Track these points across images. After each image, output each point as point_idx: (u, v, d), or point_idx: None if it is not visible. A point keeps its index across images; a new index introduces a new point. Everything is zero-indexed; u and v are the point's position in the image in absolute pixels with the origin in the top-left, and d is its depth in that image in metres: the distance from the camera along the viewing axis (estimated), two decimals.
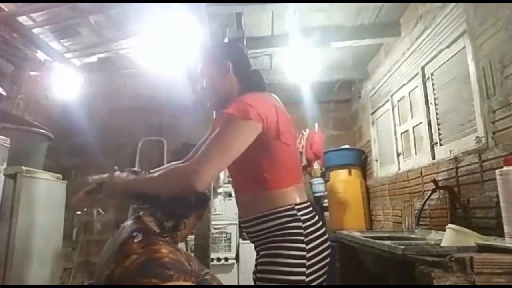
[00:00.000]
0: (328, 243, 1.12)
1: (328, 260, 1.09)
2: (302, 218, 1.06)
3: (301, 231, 1.03)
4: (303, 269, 1.00)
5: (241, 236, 3.25)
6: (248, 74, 1.21)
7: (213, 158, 0.94)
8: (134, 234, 0.93)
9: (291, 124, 1.16)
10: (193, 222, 1.10)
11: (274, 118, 1.05)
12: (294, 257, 1.00)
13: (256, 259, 1.12)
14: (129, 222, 1.04)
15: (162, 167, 1.19)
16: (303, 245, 1.02)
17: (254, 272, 1.09)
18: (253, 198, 1.09)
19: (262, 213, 1.06)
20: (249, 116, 0.98)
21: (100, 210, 3.15)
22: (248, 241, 3.36)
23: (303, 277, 1.00)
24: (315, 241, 1.05)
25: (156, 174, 1.02)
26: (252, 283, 1.25)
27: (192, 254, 2.41)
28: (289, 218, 1.04)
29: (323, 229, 1.12)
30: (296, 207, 1.06)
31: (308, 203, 1.12)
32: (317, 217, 1.13)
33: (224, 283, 1.26)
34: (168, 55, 2.77)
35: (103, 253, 0.98)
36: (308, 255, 1.01)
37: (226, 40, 2.65)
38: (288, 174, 1.08)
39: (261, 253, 1.08)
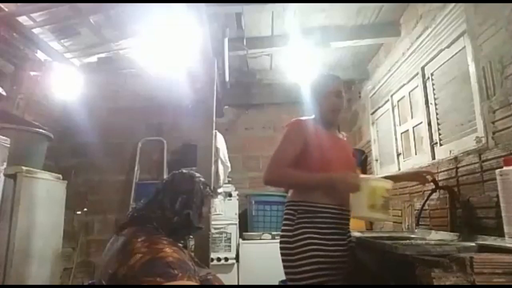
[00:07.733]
0: None
1: None
2: None
3: None
4: None
5: (241, 236, 3.25)
6: None
7: None
8: (137, 233, 0.92)
9: None
10: None
11: None
12: None
13: None
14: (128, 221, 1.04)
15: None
16: None
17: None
18: None
19: None
20: None
21: None
22: (248, 241, 3.35)
23: None
24: None
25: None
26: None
27: (192, 254, 2.41)
28: None
29: None
30: None
31: None
32: None
33: (224, 283, 1.27)
34: (168, 55, 2.77)
35: (105, 253, 0.98)
36: None
37: (226, 40, 2.65)
38: None
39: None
